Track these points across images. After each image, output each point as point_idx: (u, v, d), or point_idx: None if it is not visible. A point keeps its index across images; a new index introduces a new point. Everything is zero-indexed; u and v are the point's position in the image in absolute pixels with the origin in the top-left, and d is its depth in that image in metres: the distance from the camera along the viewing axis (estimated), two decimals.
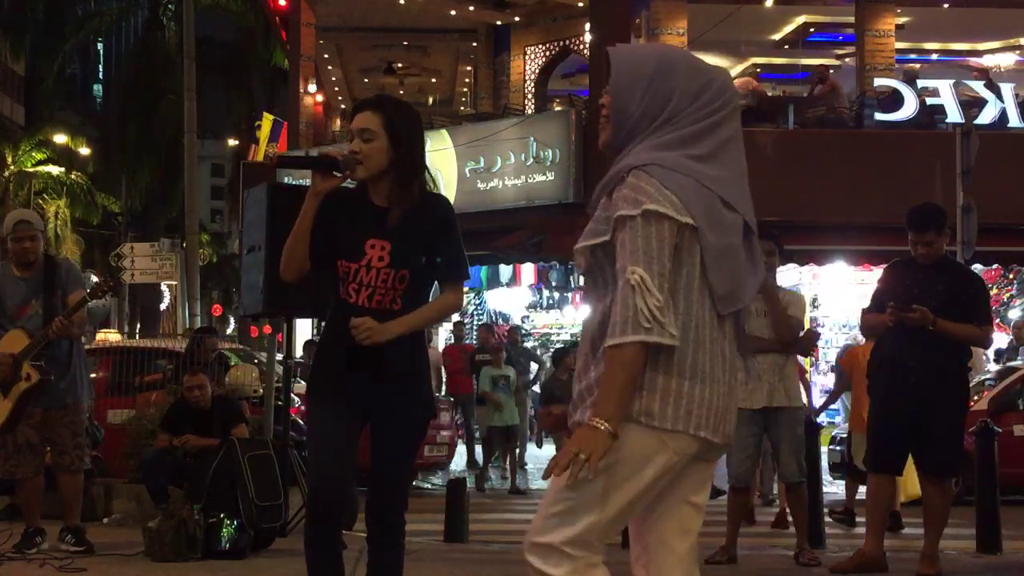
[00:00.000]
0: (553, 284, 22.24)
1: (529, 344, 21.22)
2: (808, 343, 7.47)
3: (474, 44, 25.45)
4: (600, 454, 2.60)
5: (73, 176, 37.15)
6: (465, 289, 20.18)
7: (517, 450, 14.49)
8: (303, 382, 13.03)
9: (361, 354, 4.03)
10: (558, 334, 22.50)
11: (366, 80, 28.75)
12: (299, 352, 15.39)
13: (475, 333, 22.00)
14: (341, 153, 4.06)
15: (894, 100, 17.92)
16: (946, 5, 20.86)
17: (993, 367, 13.82)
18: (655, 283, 2.60)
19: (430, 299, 4.23)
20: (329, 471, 4.12)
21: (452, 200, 19.87)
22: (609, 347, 2.63)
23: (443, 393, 16.31)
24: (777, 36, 22.95)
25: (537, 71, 23.59)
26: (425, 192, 4.17)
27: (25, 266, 7.09)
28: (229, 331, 45.95)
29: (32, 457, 7.06)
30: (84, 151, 38.10)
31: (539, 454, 17.37)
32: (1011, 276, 20.09)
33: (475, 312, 23.18)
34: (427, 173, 4.22)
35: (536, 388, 17.07)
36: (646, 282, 2.60)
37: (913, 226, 6.69)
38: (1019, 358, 14.81)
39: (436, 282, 4.27)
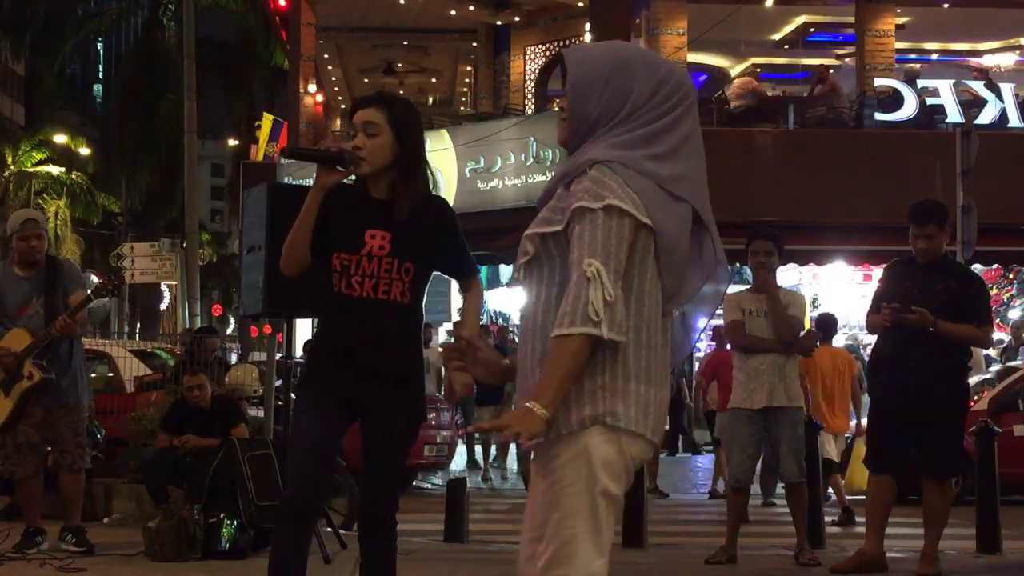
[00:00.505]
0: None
1: None
2: (808, 343, 7.47)
3: (474, 44, 25.46)
4: (530, 435, 2.56)
5: (73, 176, 37.16)
6: None
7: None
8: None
9: (358, 352, 4.02)
10: None
11: (366, 80, 28.75)
12: (299, 352, 15.39)
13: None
14: (346, 148, 4.03)
15: (894, 100, 17.93)
16: (946, 5, 20.86)
17: (995, 367, 13.82)
18: (610, 278, 2.57)
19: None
20: (306, 470, 4.08)
21: (452, 200, 19.97)
22: (556, 336, 2.59)
23: (443, 393, 16.27)
24: (777, 36, 22.96)
25: (537, 71, 23.60)
26: (427, 190, 4.17)
27: (27, 265, 7.10)
28: (229, 331, 45.96)
29: (32, 457, 7.06)
30: (84, 151, 38.10)
31: None
32: (1011, 276, 20.10)
33: None
34: (428, 170, 4.21)
35: None
36: (601, 275, 2.56)
37: (914, 219, 6.68)
38: (1019, 358, 14.81)
39: (453, 279, 4.26)
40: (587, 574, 2.63)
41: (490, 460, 14.88)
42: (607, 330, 2.56)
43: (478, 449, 16.62)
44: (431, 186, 4.22)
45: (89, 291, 6.95)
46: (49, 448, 7.24)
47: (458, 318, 18.23)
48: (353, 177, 4.12)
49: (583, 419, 2.63)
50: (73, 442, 7.12)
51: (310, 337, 17.45)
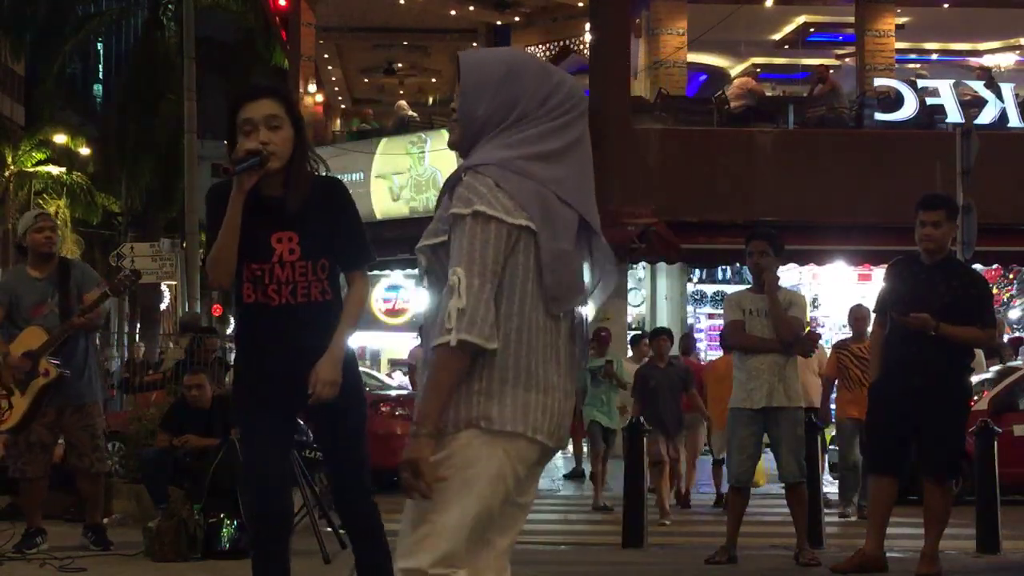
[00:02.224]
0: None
1: None
2: (809, 344, 7.46)
3: (474, 44, 25.44)
4: (423, 460, 2.61)
5: (73, 176, 37.14)
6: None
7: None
8: None
9: (290, 362, 3.94)
10: None
11: (366, 80, 28.76)
12: None
13: None
14: (253, 149, 3.86)
15: (894, 100, 17.93)
16: (946, 5, 20.88)
17: (996, 367, 13.80)
18: (473, 283, 2.60)
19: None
20: (268, 485, 4.02)
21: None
22: (433, 348, 2.65)
23: None
24: (777, 36, 22.96)
25: None
26: (315, 176, 4.05)
27: (42, 263, 7.14)
28: (229, 331, 45.94)
29: (43, 456, 7.09)
30: (84, 151, 38.08)
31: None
32: (1011, 276, 20.10)
33: None
34: (313, 154, 4.09)
35: None
36: (461, 283, 2.60)
37: (924, 204, 6.64)
38: (1019, 358, 14.80)
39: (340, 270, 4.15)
40: (435, 560, 2.66)
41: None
42: (467, 335, 2.58)
43: None
44: (317, 169, 4.09)
45: (106, 288, 6.97)
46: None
47: None
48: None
49: (458, 422, 2.68)
50: (90, 445, 7.14)
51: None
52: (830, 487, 11.07)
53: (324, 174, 4.15)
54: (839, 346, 10.78)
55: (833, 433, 12.75)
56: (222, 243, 3.90)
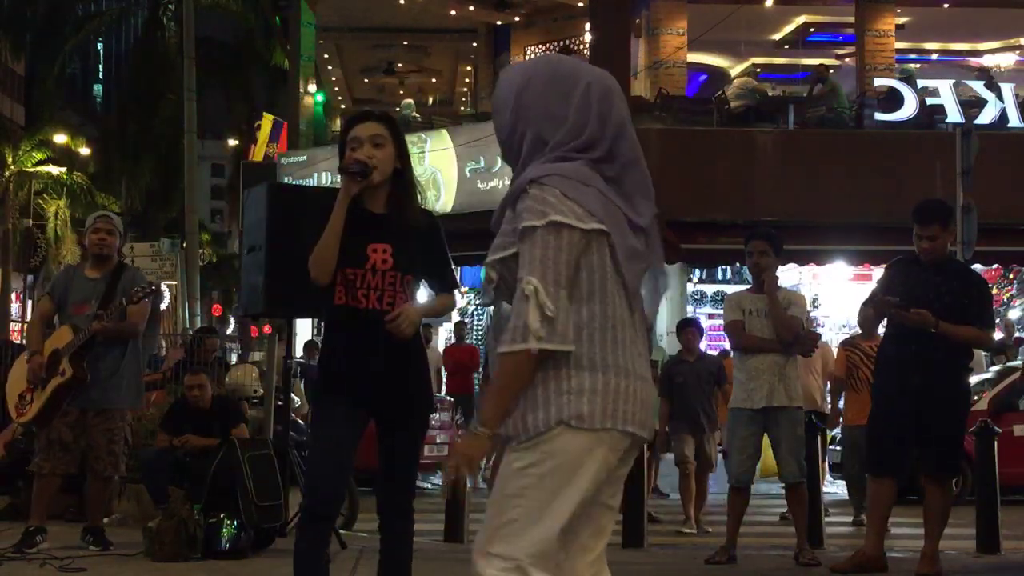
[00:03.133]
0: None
1: None
2: (809, 343, 7.46)
3: (474, 44, 25.47)
4: (476, 458, 2.71)
5: (73, 176, 37.13)
6: (465, 289, 20.23)
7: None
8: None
9: (374, 362, 4.29)
10: None
11: (366, 80, 28.77)
12: (299, 352, 15.39)
13: (476, 333, 22.05)
14: (362, 160, 4.29)
15: (894, 100, 17.93)
16: (946, 5, 20.88)
17: (996, 368, 13.82)
18: (549, 290, 2.66)
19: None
20: (325, 473, 4.34)
21: (452, 200, 19.91)
22: (499, 354, 2.70)
23: (443, 393, 16.30)
24: (777, 36, 22.97)
25: None
26: (421, 204, 4.47)
27: (98, 264, 7.22)
28: (229, 331, 45.93)
29: (63, 454, 7.08)
30: (84, 151, 38.08)
31: None
32: (1011, 276, 20.10)
33: (475, 312, 23.18)
34: (418, 185, 4.51)
35: None
36: (539, 292, 2.66)
37: (919, 219, 6.66)
38: (1019, 358, 14.81)
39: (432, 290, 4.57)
40: (529, 552, 2.70)
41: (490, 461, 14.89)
42: (548, 343, 2.66)
43: None
44: (422, 200, 4.51)
45: (122, 298, 7.00)
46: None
47: (459, 318, 18.29)
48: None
49: (549, 421, 2.72)
50: (106, 449, 7.14)
51: (310, 337, 17.47)
52: (830, 487, 11.07)
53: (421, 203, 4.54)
54: (848, 344, 9.85)
55: (833, 433, 12.74)
56: (325, 243, 4.28)
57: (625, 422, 2.76)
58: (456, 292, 4.61)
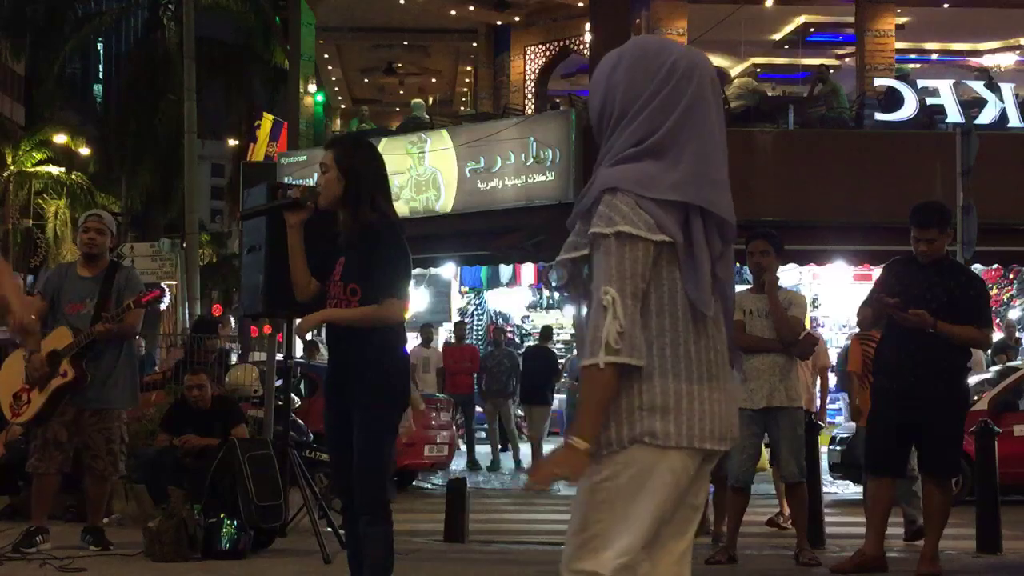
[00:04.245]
0: (553, 284, 22.21)
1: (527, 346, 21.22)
2: (807, 346, 7.45)
3: (474, 44, 25.46)
4: (578, 472, 2.69)
5: (73, 176, 37.12)
6: (465, 289, 20.18)
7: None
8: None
9: (338, 365, 4.81)
10: (558, 334, 22.50)
11: (366, 80, 28.75)
12: (299, 352, 15.39)
13: (476, 333, 22.05)
14: (301, 190, 4.90)
15: (894, 100, 17.92)
16: (946, 5, 20.86)
17: (995, 368, 13.82)
18: (626, 303, 2.66)
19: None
20: (339, 472, 4.87)
21: (452, 200, 19.83)
22: (583, 367, 2.70)
23: (443, 392, 16.30)
24: (777, 36, 22.95)
25: (537, 71, 23.59)
26: (384, 218, 4.78)
27: (89, 263, 7.22)
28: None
29: (58, 454, 7.10)
30: (84, 151, 38.06)
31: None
32: (1011, 276, 20.09)
33: (475, 312, 23.19)
34: (381, 198, 4.82)
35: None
36: (616, 304, 2.66)
37: (916, 222, 6.68)
38: (1020, 358, 14.81)
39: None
40: (613, 568, 2.70)
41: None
42: (627, 356, 2.66)
43: (479, 449, 16.63)
44: (380, 210, 4.78)
45: (131, 300, 7.00)
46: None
47: (458, 318, 18.29)
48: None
49: (622, 439, 2.72)
50: (105, 449, 7.15)
51: (310, 338, 17.45)
52: (829, 487, 11.07)
53: (390, 218, 4.87)
54: (863, 337, 9.45)
55: (834, 432, 12.74)
56: (290, 267, 4.84)
57: (702, 440, 2.74)
58: (390, 300, 4.72)
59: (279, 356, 8.58)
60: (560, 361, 18.61)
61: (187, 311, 20.78)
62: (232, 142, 39.38)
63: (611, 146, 2.81)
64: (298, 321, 4.91)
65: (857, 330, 10.39)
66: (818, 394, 10.37)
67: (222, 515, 7.01)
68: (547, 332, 17.28)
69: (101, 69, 71.15)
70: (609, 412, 2.70)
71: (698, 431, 2.74)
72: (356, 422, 4.69)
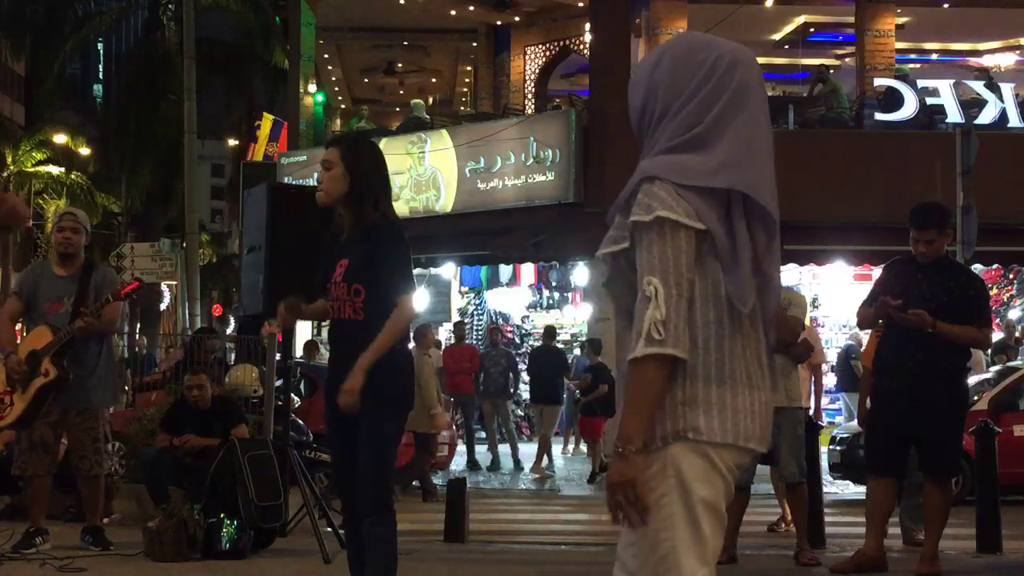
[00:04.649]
0: (553, 284, 22.23)
1: (527, 345, 21.21)
2: (803, 351, 7.43)
3: (474, 44, 25.45)
4: (635, 480, 2.55)
5: (73, 176, 37.11)
6: (465, 289, 20.18)
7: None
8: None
9: (339, 367, 4.70)
10: (558, 334, 22.50)
11: (366, 80, 28.74)
12: (299, 352, 15.39)
13: (476, 333, 22.03)
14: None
15: (894, 100, 17.92)
16: (946, 5, 20.86)
17: (995, 368, 13.82)
18: (671, 293, 2.56)
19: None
20: (341, 477, 4.86)
21: (452, 200, 19.83)
22: (629, 361, 2.58)
23: (445, 392, 16.30)
24: (777, 36, 22.95)
25: (537, 71, 23.59)
26: (384, 218, 4.73)
27: (65, 262, 7.18)
28: (229, 331, 45.87)
29: (44, 456, 7.08)
30: (84, 151, 38.07)
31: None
32: (1011, 276, 20.09)
33: (475, 312, 23.17)
34: (385, 197, 4.79)
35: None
36: (659, 294, 2.55)
37: (915, 223, 6.68)
38: (1019, 358, 14.81)
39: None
40: (695, 562, 2.59)
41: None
42: (672, 348, 2.54)
43: (478, 449, 16.62)
44: (381, 210, 4.74)
45: (108, 294, 6.98)
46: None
47: (458, 318, 18.30)
48: None
49: (665, 435, 2.61)
50: (91, 448, 7.14)
51: (310, 337, 17.46)
52: (829, 487, 11.07)
53: (391, 218, 4.83)
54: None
55: (834, 432, 12.74)
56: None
57: (747, 439, 2.65)
58: (403, 298, 4.66)
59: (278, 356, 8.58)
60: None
61: (187, 311, 20.78)
62: (232, 142, 39.39)
63: (654, 142, 2.72)
64: (343, 391, 4.56)
65: (856, 329, 10.44)
66: (812, 391, 10.33)
67: (222, 515, 7.01)
68: (551, 331, 17.28)
69: (101, 69, 71.15)
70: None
71: (744, 430, 2.65)
72: (360, 423, 4.63)
